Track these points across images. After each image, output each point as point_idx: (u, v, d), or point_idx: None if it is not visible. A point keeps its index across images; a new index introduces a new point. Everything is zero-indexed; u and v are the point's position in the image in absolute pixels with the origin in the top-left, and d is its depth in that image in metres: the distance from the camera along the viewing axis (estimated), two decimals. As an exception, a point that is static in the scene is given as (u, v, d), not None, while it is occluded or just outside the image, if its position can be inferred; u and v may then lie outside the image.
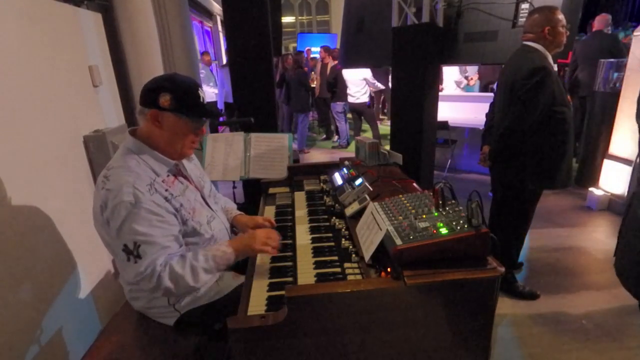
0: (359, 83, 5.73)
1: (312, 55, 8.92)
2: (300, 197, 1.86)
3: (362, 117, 6.16)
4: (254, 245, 1.30)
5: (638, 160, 1.14)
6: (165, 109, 1.20)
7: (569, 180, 2.07)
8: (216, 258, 1.25)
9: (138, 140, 1.26)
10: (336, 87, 6.08)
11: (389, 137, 3.29)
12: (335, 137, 6.94)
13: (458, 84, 5.29)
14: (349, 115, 6.53)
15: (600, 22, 4.58)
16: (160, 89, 1.19)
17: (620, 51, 4.29)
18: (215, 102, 6.24)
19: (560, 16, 1.92)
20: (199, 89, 1.26)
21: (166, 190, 1.24)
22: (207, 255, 1.24)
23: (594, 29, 4.67)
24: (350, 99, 5.90)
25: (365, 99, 5.88)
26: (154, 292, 1.21)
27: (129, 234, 1.14)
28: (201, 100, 1.26)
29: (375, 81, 5.86)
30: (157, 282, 1.15)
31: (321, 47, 6.66)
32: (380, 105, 8.68)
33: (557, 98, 1.90)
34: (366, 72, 5.71)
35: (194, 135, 1.30)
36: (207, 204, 1.44)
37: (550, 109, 1.90)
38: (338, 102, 6.18)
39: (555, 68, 2.20)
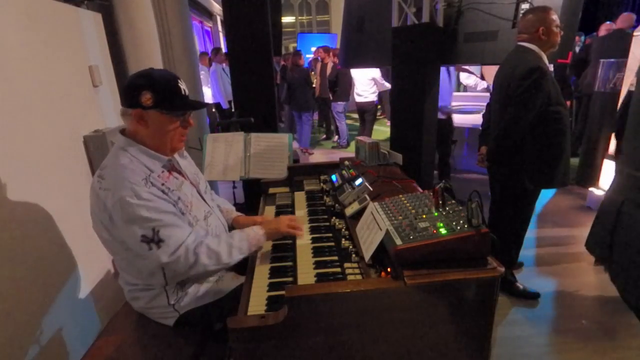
0: (368, 82, 5.72)
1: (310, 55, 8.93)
2: (300, 197, 1.86)
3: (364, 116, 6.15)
4: (281, 228, 1.38)
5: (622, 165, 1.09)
6: (149, 107, 1.19)
7: (567, 179, 2.07)
8: (250, 238, 1.32)
9: (129, 138, 1.26)
10: (337, 86, 6.07)
11: (387, 139, 3.28)
12: (335, 137, 6.94)
13: (473, 88, 5.13)
14: (355, 116, 6.50)
15: (624, 21, 4.57)
16: (139, 88, 1.18)
17: None
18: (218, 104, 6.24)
19: (554, 16, 1.93)
20: (179, 81, 1.25)
21: (162, 184, 1.24)
22: (241, 235, 1.32)
23: (616, 27, 4.64)
24: (358, 98, 5.85)
25: (373, 98, 5.86)
26: (190, 270, 1.22)
27: (142, 223, 1.15)
28: (182, 92, 1.25)
29: (384, 82, 5.84)
30: (194, 259, 1.21)
31: (320, 47, 6.66)
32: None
33: (553, 98, 1.91)
34: (375, 72, 5.69)
35: (182, 128, 1.30)
36: (203, 199, 1.44)
37: (547, 109, 1.91)
38: (339, 102, 6.17)
39: (551, 68, 2.20)
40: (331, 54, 6.39)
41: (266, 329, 0.97)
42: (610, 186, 1.32)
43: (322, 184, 1.93)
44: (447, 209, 1.13)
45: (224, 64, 5.96)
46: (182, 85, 1.25)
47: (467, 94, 5.32)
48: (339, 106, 6.21)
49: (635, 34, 3.28)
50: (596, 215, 1.38)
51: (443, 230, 1.02)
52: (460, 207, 1.12)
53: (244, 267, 1.36)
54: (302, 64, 6.20)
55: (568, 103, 4.53)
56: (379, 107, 8.66)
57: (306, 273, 1.23)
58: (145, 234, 1.15)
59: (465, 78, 5.03)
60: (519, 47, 2.00)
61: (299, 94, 5.95)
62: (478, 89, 4.87)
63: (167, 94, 1.21)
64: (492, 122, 2.21)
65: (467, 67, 4.92)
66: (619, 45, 4.38)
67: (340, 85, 6.02)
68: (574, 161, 3.31)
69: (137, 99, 1.18)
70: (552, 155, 1.99)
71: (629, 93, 2.62)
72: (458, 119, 4.52)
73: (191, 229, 1.26)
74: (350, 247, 1.31)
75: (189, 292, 1.36)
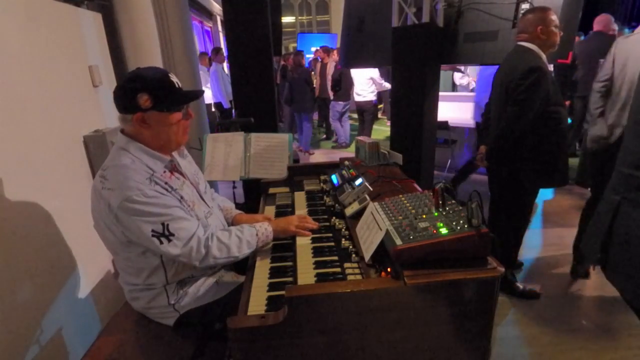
0: (366, 82, 5.76)
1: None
2: (300, 197, 1.86)
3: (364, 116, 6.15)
4: (290, 227, 1.41)
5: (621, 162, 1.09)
6: (148, 109, 1.19)
7: (566, 179, 2.07)
8: (259, 233, 1.35)
9: (129, 137, 1.26)
10: (339, 86, 6.06)
11: (387, 138, 3.27)
12: (335, 137, 6.94)
13: (465, 87, 5.17)
14: (355, 116, 6.51)
15: (600, 23, 4.55)
16: (134, 91, 1.17)
17: None
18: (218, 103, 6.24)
19: (554, 16, 1.94)
20: (169, 75, 1.24)
21: (165, 183, 1.25)
22: (251, 230, 1.35)
23: (594, 30, 4.64)
24: (357, 97, 5.90)
25: (371, 97, 5.91)
26: (202, 262, 1.25)
27: (151, 219, 1.16)
28: (176, 85, 1.24)
29: (383, 81, 5.85)
30: (206, 251, 1.24)
31: (320, 47, 6.66)
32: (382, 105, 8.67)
33: (552, 98, 1.92)
34: (373, 72, 5.72)
35: (184, 120, 1.30)
36: (203, 200, 1.44)
37: (546, 109, 1.91)
38: (339, 102, 6.16)
39: (551, 68, 2.21)
40: (335, 52, 6.39)
41: (266, 329, 0.97)
42: (608, 186, 1.31)
43: (322, 184, 1.93)
44: (447, 209, 1.13)
45: (224, 64, 5.97)
46: (174, 79, 1.25)
47: (467, 94, 5.32)
48: (338, 106, 6.20)
49: (635, 32, 3.27)
50: (593, 215, 1.38)
51: (443, 230, 1.02)
52: (460, 207, 1.12)
53: (244, 267, 1.36)
54: (303, 64, 6.21)
55: (568, 103, 4.55)
56: (381, 106, 8.68)
57: (306, 273, 1.23)
58: (155, 229, 1.16)
59: (459, 78, 5.10)
60: (518, 47, 2.01)
61: (299, 94, 5.95)
62: (470, 88, 4.95)
63: (163, 92, 1.20)
64: (491, 121, 2.22)
65: (460, 67, 5.02)
66: (600, 47, 4.36)
67: (342, 85, 6.02)
68: (574, 161, 3.30)
69: (135, 102, 1.17)
70: (551, 154, 1.99)
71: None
72: (456, 120, 4.53)
73: (199, 222, 1.28)
74: (350, 247, 1.31)
75: (189, 292, 1.36)
